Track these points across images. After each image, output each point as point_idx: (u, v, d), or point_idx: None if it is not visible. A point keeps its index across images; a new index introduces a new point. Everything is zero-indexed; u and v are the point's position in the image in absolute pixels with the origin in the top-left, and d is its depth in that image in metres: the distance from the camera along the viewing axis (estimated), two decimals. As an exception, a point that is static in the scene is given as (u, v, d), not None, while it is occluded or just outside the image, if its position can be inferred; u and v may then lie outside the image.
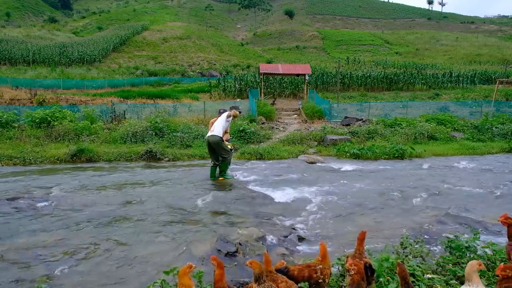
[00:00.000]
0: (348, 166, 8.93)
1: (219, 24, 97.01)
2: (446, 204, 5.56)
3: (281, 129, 15.85)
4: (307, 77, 24.32)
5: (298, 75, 25.27)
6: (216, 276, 2.18)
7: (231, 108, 7.74)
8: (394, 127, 13.77)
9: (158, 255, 3.64)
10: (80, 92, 32.41)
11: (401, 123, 14.20)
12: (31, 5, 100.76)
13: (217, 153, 6.91)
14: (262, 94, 24.23)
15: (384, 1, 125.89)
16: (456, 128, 14.22)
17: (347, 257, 2.63)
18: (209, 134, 6.89)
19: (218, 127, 6.81)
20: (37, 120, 12.06)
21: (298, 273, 2.50)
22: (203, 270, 2.62)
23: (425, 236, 4.15)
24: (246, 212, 5.16)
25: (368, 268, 2.39)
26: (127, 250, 3.75)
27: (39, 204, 5.32)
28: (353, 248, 2.63)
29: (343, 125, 15.45)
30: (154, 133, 11.81)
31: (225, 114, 7.02)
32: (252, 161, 9.65)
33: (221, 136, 6.82)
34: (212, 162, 7.16)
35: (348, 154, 10.28)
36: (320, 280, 2.39)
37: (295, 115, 20.11)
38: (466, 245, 2.87)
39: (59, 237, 4.06)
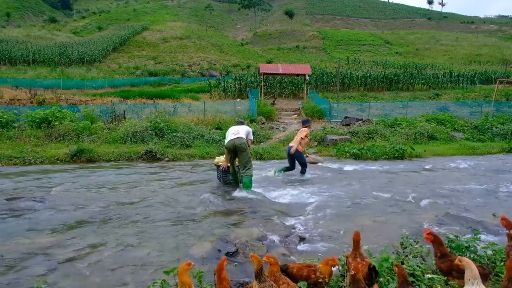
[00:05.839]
0: (348, 166, 8.92)
1: (219, 24, 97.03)
2: (446, 204, 5.56)
3: (281, 129, 15.84)
4: (307, 77, 24.32)
5: (298, 75, 25.27)
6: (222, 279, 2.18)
7: (245, 122, 7.17)
8: (394, 127, 13.76)
9: (158, 255, 3.64)
10: (80, 92, 32.43)
11: (401, 123, 14.19)
12: (31, 5, 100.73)
13: (240, 159, 6.26)
14: (262, 94, 24.23)
15: (384, 1, 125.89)
16: (456, 128, 14.21)
17: (347, 257, 2.63)
18: (233, 137, 6.21)
19: (243, 133, 6.31)
20: (37, 120, 12.05)
21: (297, 271, 2.49)
22: (203, 270, 2.62)
23: (425, 236, 4.14)
24: (246, 212, 5.16)
25: (373, 270, 2.39)
26: (127, 250, 3.75)
27: (39, 204, 5.32)
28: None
29: (343, 125, 15.45)
30: (154, 133, 11.81)
31: (301, 131, 7.48)
32: (252, 161, 9.63)
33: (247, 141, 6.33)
34: (231, 169, 6.57)
35: (348, 154, 10.28)
36: (320, 280, 2.39)
37: (295, 115, 20.11)
38: (466, 245, 2.87)
39: (58, 237, 4.06)
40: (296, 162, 7.62)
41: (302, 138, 7.59)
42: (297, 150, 7.44)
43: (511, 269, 1.96)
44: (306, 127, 7.85)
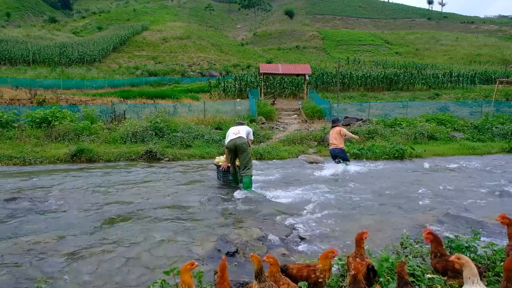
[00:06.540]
0: (348, 166, 8.90)
1: (219, 24, 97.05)
2: (446, 204, 5.56)
3: (281, 129, 15.85)
4: (307, 77, 24.32)
5: (298, 75, 25.28)
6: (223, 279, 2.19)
7: (243, 122, 7.16)
8: (394, 127, 13.76)
9: (158, 255, 3.64)
10: (80, 92, 32.42)
11: (401, 123, 14.19)
12: (31, 5, 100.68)
13: (240, 159, 6.25)
14: (262, 94, 24.23)
15: (384, 1, 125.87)
16: (456, 128, 14.20)
17: (348, 257, 2.63)
18: (234, 137, 6.20)
19: (243, 133, 6.31)
20: (37, 120, 12.05)
21: (297, 271, 2.50)
22: (203, 270, 2.62)
23: (425, 236, 4.14)
24: (246, 212, 5.16)
25: (371, 270, 2.39)
26: (127, 250, 3.75)
27: (39, 204, 5.32)
28: (353, 248, 2.63)
29: (343, 125, 15.43)
30: (154, 133, 11.80)
31: (338, 129, 8.44)
32: (252, 161, 9.63)
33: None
34: (231, 169, 6.60)
35: (348, 154, 10.25)
36: (320, 280, 2.39)
37: (295, 115, 20.11)
38: (466, 245, 2.87)
39: (59, 237, 4.06)
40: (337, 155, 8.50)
41: (341, 135, 8.47)
42: (342, 149, 8.45)
43: (508, 270, 1.96)
44: (338, 125, 8.69)
